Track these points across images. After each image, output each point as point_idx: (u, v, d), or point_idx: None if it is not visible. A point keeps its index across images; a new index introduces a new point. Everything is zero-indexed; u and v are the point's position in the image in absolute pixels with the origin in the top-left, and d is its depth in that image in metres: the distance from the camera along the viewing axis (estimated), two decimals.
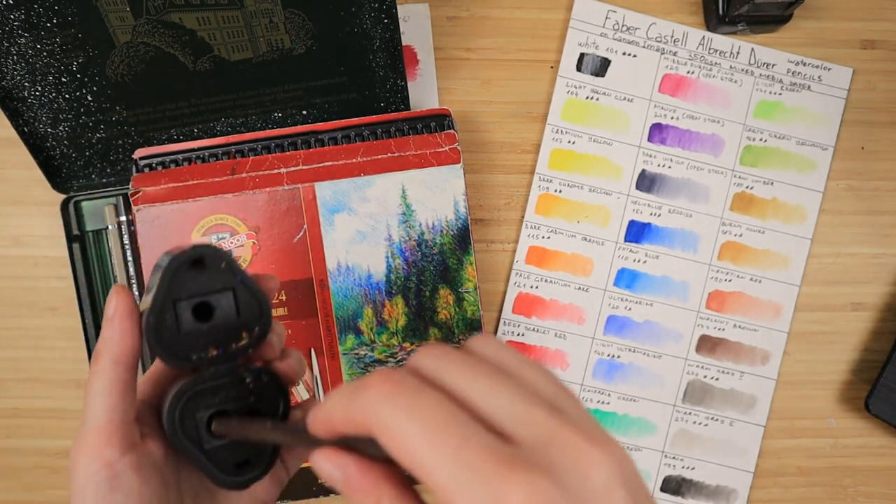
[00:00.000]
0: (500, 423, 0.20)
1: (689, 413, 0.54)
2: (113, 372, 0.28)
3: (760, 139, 0.55)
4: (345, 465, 0.23)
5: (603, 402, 0.54)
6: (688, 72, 0.55)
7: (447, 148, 0.50)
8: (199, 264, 0.28)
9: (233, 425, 0.29)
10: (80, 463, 0.28)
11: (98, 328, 0.52)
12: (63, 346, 0.53)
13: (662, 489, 0.54)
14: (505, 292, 0.54)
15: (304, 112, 0.53)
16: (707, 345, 0.55)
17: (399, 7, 0.48)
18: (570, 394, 0.22)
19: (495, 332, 0.54)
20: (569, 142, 0.54)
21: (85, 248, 0.52)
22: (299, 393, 0.37)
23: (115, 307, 0.29)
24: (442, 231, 0.50)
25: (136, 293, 0.51)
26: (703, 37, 0.55)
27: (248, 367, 0.29)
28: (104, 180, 0.52)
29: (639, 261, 0.54)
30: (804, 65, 0.55)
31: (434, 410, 0.20)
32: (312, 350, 0.49)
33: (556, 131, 0.54)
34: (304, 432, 0.24)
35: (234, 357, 0.29)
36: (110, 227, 0.52)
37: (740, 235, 0.55)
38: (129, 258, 0.51)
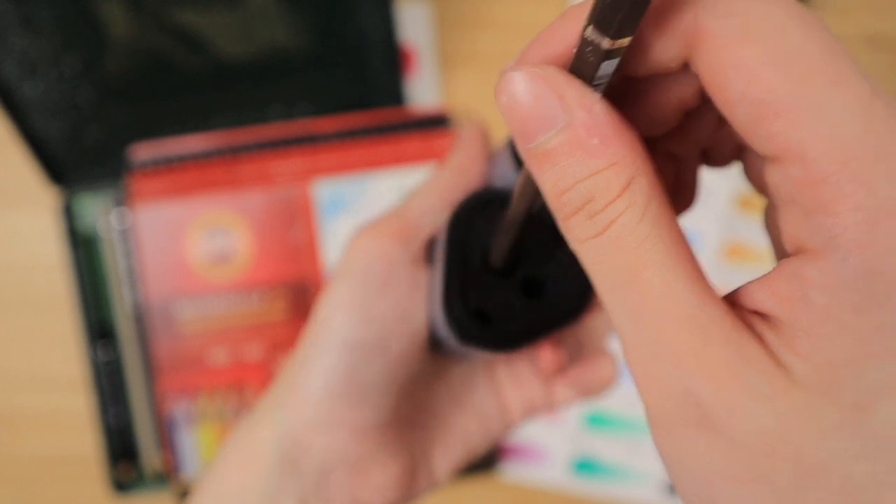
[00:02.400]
0: None
1: None
2: (450, 177, 0.25)
3: None
4: (581, 95, 0.14)
5: (605, 403, 0.53)
6: None
7: (447, 147, 0.50)
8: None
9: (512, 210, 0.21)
10: (361, 241, 0.25)
11: (97, 328, 0.51)
12: (60, 346, 0.53)
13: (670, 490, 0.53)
14: None
15: (303, 110, 0.52)
16: None
17: (399, 6, 0.48)
18: None
19: None
20: None
21: (82, 246, 0.52)
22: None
23: (471, 132, 0.26)
24: None
25: (134, 292, 0.51)
26: None
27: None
28: (101, 179, 0.52)
29: None
30: None
31: None
32: None
33: None
34: None
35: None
36: (107, 225, 0.51)
37: (742, 239, 0.54)
38: (127, 257, 0.51)
